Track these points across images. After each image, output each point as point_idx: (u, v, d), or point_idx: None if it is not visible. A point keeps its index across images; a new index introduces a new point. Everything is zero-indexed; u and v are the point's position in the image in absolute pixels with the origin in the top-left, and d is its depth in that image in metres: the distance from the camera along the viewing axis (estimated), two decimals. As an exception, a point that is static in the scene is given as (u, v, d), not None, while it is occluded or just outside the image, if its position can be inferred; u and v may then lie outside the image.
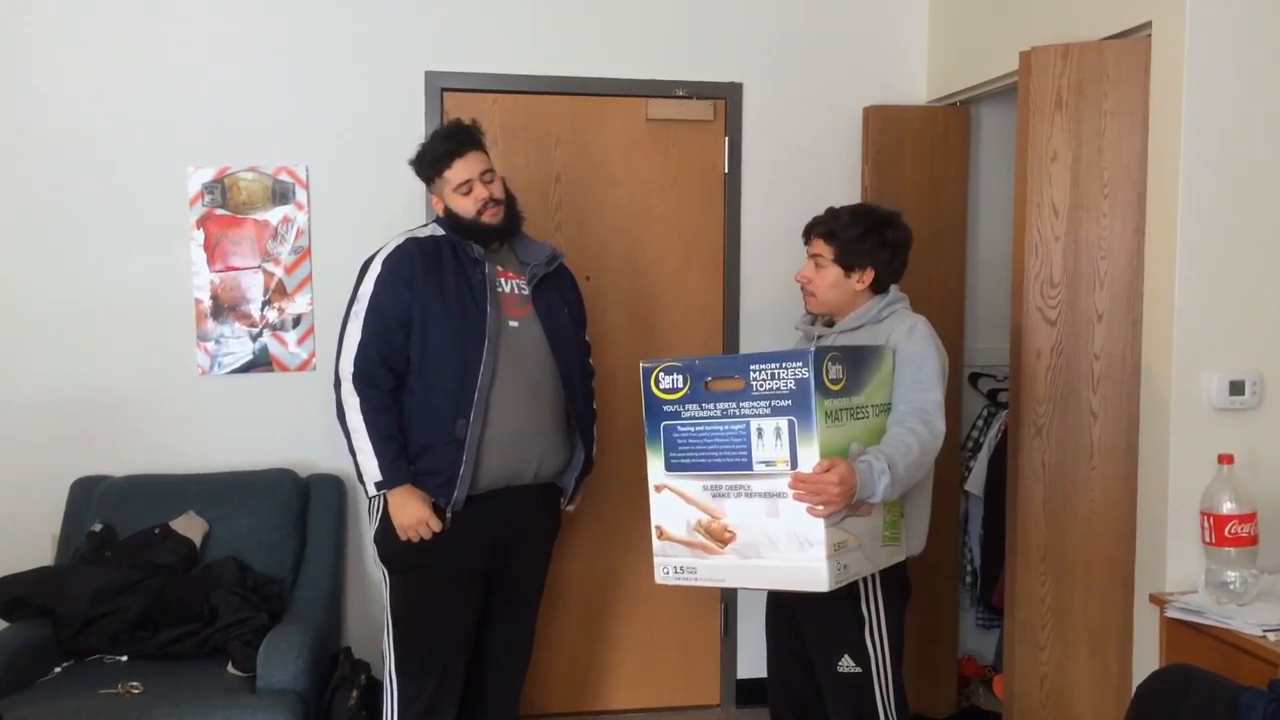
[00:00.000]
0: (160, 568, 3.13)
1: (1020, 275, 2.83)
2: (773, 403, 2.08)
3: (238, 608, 3.09)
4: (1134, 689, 2.23)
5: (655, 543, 2.26)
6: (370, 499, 2.78)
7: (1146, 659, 2.67)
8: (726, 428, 2.13)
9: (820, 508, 2.08)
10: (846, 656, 2.42)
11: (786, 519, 2.10)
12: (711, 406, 2.15)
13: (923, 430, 2.29)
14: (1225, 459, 2.52)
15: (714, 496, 2.17)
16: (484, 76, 3.60)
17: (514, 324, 2.78)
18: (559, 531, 3.08)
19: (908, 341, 2.40)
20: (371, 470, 2.67)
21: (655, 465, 2.23)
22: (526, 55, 3.61)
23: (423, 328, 2.70)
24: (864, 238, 2.48)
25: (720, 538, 2.17)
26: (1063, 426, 2.80)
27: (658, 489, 2.24)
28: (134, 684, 2.83)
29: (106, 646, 3.05)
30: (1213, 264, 2.62)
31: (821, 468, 2.07)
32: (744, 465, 2.12)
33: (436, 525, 2.69)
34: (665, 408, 2.20)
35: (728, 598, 3.84)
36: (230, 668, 2.97)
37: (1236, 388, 2.62)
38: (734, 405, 2.12)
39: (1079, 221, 2.77)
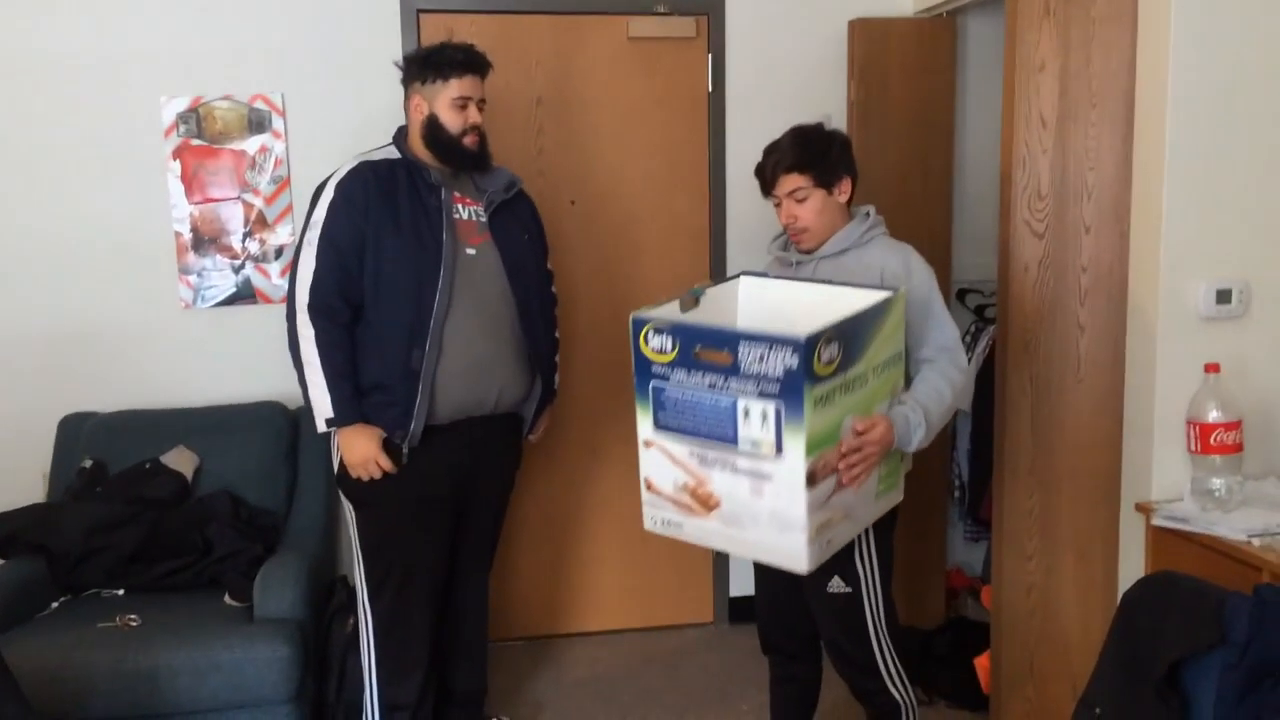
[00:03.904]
0: (153, 502, 3.14)
1: (1008, 188, 2.80)
2: (761, 385, 2.00)
3: (232, 540, 3.11)
4: (1120, 596, 2.26)
5: (644, 493, 2.24)
6: (327, 434, 2.72)
7: (1133, 567, 2.71)
8: (714, 400, 2.07)
9: (868, 460, 2.11)
10: (836, 577, 2.44)
11: (769, 499, 2.06)
12: (699, 376, 2.08)
13: (954, 373, 2.31)
14: (1211, 368, 2.53)
15: (700, 463, 2.13)
16: (461, -3, 3.52)
17: (471, 251, 2.72)
18: (520, 461, 3.06)
19: (909, 280, 2.37)
20: (323, 406, 2.62)
21: (644, 421, 2.18)
22: (503, -27, 3.54)
23: (376, 255, 2.63)
24: (828, 151, 2.44)
25: (706, 503, 2.15)
26: (1050, 340, 2.80)
27: (646, 444, 2.20)
28: (131, 617, 2.86)
29: (103, 581, 3.07)
30: (1200, 172, 2.60)
31: (863, 427, 2.08)
32: (730, 440, 2.07)
33: (386, 464, 2.65)
34: (653, 369, 2.14)
35: (719, 518, 3.87)
36: (227, 598, 3.00)
37: (1223, 296, 2.62)
38: (722, 379, 2.05)
39: (1067, 132, 2.74)
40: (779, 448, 2.01)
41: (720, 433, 2.08)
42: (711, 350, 2.06)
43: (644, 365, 2.15)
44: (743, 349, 2.01)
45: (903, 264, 2.41)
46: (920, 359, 2.35)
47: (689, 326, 2.11)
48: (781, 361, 1.96)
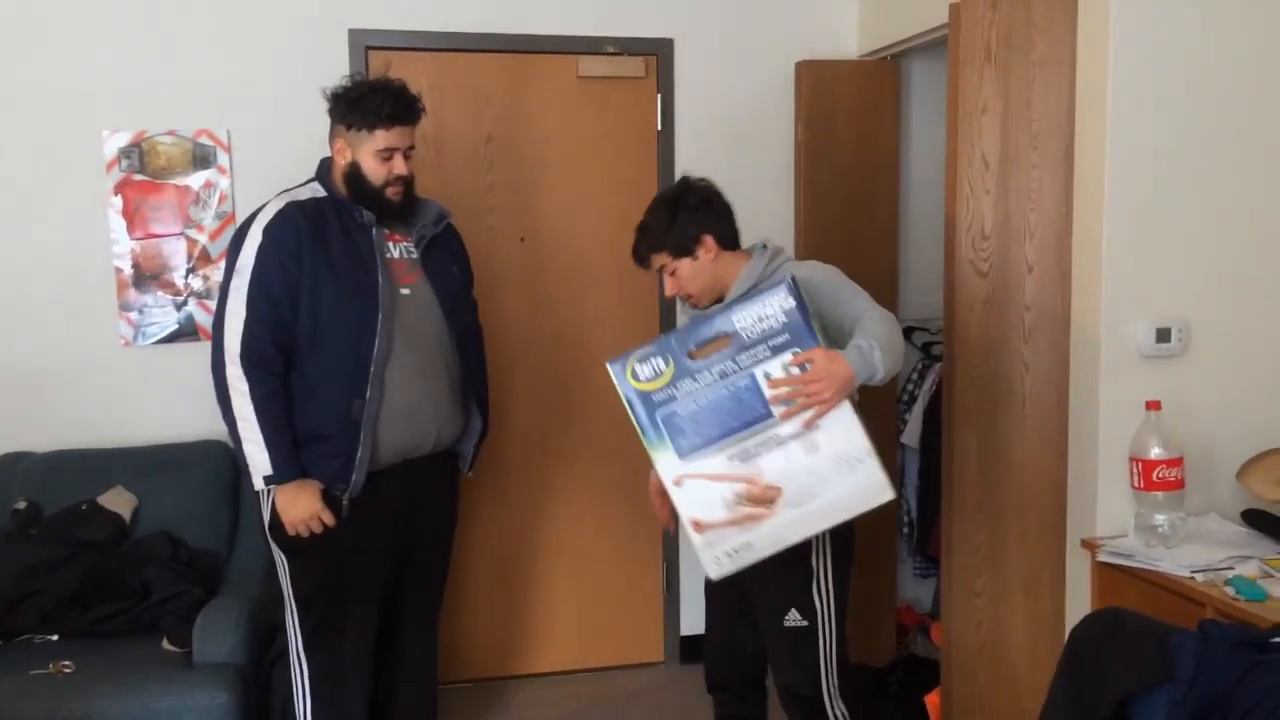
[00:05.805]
0: (89, 544, 3.06)
1: (952, 228, 2.84)
2: (770, 343, 2.01)
3: (171, 582, 3.03)
4: (1068, 632, 2.27)
5: (695, 538, 2.13)
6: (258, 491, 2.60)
7: (1080, 603, 2.73)
8: (732, 387, 2.04)
9: (820, 401, 2.03)
10: (794, 610, 2.44)
11: (828, 447, 2.04)
12: (707, 374, 2.04)
13: (877, 313, 2.24)
14: (1153, 405, 2.56)
15: (744, 462, 2.07)
16: (410, 34, 3.51)
17: (405, 291, 2.64)
18: (458, 498, 2.98)
19: (816, 271, 2.37)
20: (261, 464, 2.51)
21: (665, 459, 2.10)
22: (454, 12, 3.53)
23: (313, 302, 2.53)
24: (674, 218, 2.39)
25: (766, 499, 2.08)
26: (995, 377, 2.83)
27: (677, 483, 2.11)
28: (66, 663, 2.77)
29: (36, 626, 2.97)
30: (1139, 213, 2.65)
31: (799, 360, 2.01)
32: (764, 416, 2.04)
33: (329, 519, 2.56)
34: (655, 397, 2.07)
35: (669, 556, 3.85)
36: (165, 644, 2.92)
37: (1163, 335, 2.67)
38: (731, 362, 2.03)
39: (1009, 173, 2.78)
40: None
41: (751, 416, 2.06)
42: (708, 343, 2.06)
43: (644, 400, 2.09)
44: (737, 321, 2.03)
45: (810, 268, 2.40)
46: (853, 319, 2.27)
47: (671, 337, 2.09)
48: (780, 307, 2.01)
